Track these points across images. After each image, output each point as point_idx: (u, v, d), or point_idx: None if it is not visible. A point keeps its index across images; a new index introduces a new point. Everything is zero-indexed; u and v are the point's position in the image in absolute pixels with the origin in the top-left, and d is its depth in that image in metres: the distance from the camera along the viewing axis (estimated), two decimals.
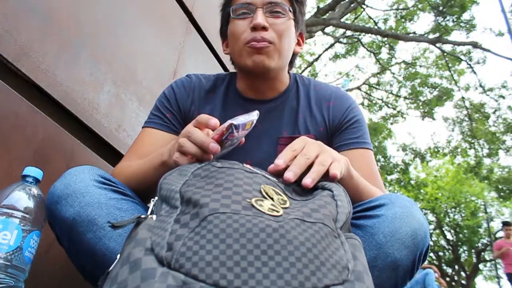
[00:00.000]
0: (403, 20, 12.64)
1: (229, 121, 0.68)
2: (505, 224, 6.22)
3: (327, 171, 0.67)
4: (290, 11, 1.00)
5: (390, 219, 0.72)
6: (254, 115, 0.73)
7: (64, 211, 0.75)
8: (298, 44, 1.08)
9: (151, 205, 0.61)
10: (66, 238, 0.78)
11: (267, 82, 1.02)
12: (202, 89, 1.07)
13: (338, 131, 1.00)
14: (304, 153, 0.69)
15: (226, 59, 2.14)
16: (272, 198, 0.55)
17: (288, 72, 1.08)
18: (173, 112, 1.04)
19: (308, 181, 0.64)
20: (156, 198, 0.61)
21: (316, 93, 1.05)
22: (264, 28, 0.94)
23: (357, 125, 1.01)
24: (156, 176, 0.78)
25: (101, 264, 0.74)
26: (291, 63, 1.07)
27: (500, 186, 15.06)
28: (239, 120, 0.69)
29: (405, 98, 14.43)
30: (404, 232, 0.71)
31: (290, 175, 0.64)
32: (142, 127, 1.04)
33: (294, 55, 1.06)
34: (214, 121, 0.71)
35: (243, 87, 1.05)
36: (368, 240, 0.72)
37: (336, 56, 13.96)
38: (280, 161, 0.67)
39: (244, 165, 0.63)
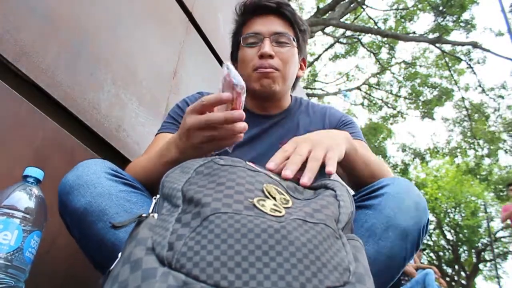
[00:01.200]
0: (403, 20, 12.66)
1: (233, 82, 0.70)
2: (510, 184, 6.22)
3: (324, 165, 0.72)
4: (294, 40, 1.11)
5: (394, 195, 0.78)
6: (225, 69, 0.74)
7: (75, 201, 0.78)
8: (301, 68, 1.19)
9: (152, 203, 0.61)
10: (77, 228, 0.80)
11: (272, 102, 1.14)
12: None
13: None
14: (297, 152, 0.73)
15: (226, 59, 2.14)
16: (274, 198, 0.55)
17: (290, 95, 1.21)
18: None
19: (305, 180, 0.68)
20: (158, 196, 0.61)
21: (314, 110, 1.19)
22: (270, 56, 1.05)
23: (351, 125, 1.14)
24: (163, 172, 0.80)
25: (111, 253, 0.76)
26: (294, 86, 1.18)
27: (499, 187, 15.06)
28: (232, 75, 0.71)
29: (405, 98, 14.45)
30: (408, 204, 0.77)
31: (288, 173, 0.67)
32: (156, 134, 1.10)
33: (297, 78, 1.18)
34: (226, 95, 0.73)
35: (250, 105, 1.14)
36: (378, 216, 0.77)
37: (336, 56, 13.98)
38: (271, 164, 0.70)
39: (247, 162, 0.63)
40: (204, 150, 0.77)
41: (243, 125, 0.74)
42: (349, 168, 0.88)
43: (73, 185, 0.79)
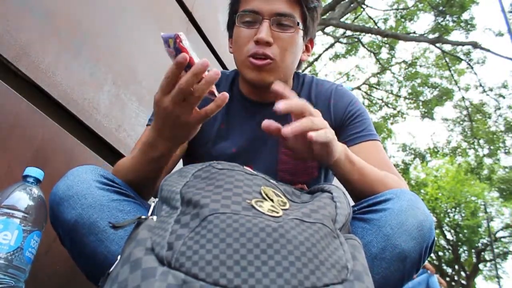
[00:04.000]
0: (403, 20, 12.67)
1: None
2: None
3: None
4: (299, 24, 0.95)
5: (396, 212, 0.72)
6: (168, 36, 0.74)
7: (66, 213, 0.75)
8: (307, 50, 1.05)
9: (151, 206, 0.61)
10: (68, 240, 0.78)
11: (269, 91, 0.99)
12: None
13: (342, 127, 1.00)
14: (312, 120, 0.69)
15: (226, 59, 2.14)
16: (272, 200, 0.56)
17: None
18: None
19: (287, 130, 0.66)
20: (157, 199, 0.61)
21: (317, 91, 1.04)
22: (268, 43, 0.91)
23: (360, 118, 1.00)
24: (147, 165, 0.82)
25: (103, 267, 0.72)
26: (297, 68, 1.05)
27: (502, 187, 15.02)
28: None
29: (405, 98, 14.45)
30: (411, 224, 0.72)
31: (287, 130, 0.66)
32: (147, 125, 1.04)
33: (301, 62, 1.03)
34: (181, 56, 0.71)
35: (246, 91, 1.03)
36: (375, 233, 0.72)
37: (336, 56, 13.98)
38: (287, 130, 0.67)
39: (245, 167, 0.64)
40: (179, 118, 0.73)
41: (213, 73, 0.70)
42: (343, 181, 0.84)
43: (62, 196, 0.76)
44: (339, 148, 0.77)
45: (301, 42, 0.99)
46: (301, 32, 0.97)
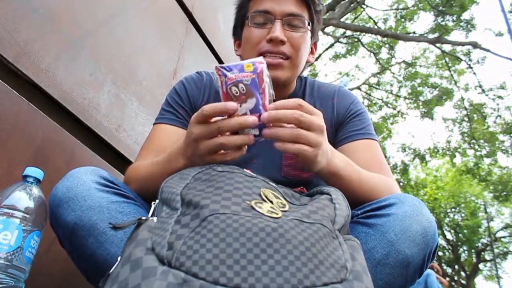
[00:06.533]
0: (403, 20, 12.67)
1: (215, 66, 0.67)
2: None
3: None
4: (309, 24, 0.98)
5: (400, 218, 0.72)
6: (251, 59, 0.68)
7: (65, 215, 0.75)
8: (311, 53, 1.07)
9: (151, 208, 0.61)
10: (68, 242, 0.78)
11: (277, 89, 1.00)
12: (213, 86, 1.06)
13: (342, 124, 1.01)
14: (304, 117, 0.68)
15: (226, 59, 2.15)
16: (271, 201, 0.56)
17: None
18: (185, 108, 1.02)
19: (266, 132, 0.68)
20: (157, 201, 0.61)
21: (320, 92, 1.06)
22: (281, 42, 0.93)
23: (360, 117, 1.01)
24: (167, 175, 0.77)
25: (103, 269, 0.73)
26: (302, 71, 1.07)
27: (498, 188, 14.99)
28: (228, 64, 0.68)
29: (405, 98, 14.45)
30: (415, 230, 0.71)
31: (265, 116, 0.67)
32: (154, 124, 1.03)
33: (306, 63, 1.06)
34: (232, 105, 0.67)
35: None
36: (379, 238, 0.72)
37: (336, 56, 13.98)
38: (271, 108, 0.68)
39: (245, 170, 0.64)
40: (211, 161, 0.70)
41: (252, 137, 0.69)
42: (340, 189, 0.81)
43: (62, 198, 0.75)
44: (323, 161, 0.74)
45: (309, 42, 1.01)
46: (309, 33, 1.00)
